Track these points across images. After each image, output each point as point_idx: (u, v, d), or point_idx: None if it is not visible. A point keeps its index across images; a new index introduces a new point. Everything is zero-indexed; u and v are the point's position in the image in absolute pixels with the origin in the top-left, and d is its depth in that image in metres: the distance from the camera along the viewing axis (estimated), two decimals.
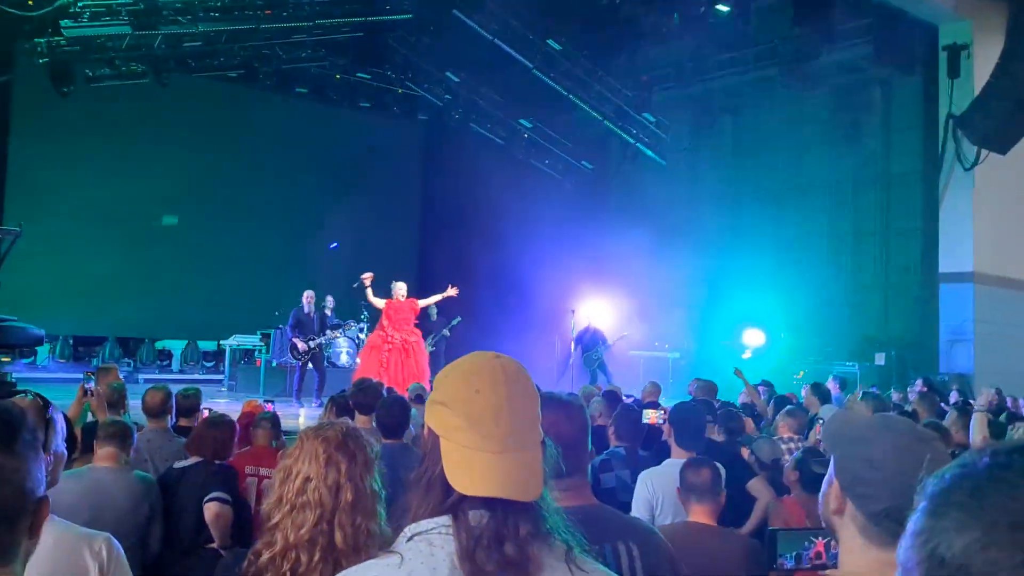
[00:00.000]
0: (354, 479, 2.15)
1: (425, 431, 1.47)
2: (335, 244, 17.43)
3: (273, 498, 2.18)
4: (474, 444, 1.37)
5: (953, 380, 12.97)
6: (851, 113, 16.08)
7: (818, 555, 2.07)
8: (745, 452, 5.39)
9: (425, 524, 1.39)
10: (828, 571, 1.91)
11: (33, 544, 1.28)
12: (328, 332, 13.31)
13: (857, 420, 1.66)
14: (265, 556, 2.11)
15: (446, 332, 15.43)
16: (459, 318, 15.61)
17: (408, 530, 1.40)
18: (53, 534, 2.18)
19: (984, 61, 13.30)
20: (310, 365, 13.39)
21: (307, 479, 2.14)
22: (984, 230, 14.29)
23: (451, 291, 12.79)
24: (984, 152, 13.50)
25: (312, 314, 13.24)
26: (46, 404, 2.71)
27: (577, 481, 2.19)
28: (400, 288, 12.47)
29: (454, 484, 1.36)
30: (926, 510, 0.70)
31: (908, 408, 7.93)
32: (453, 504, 1.38)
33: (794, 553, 2.08)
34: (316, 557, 2.08)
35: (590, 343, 15.74)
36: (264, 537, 2.15)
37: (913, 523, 0.72)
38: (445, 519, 1.38)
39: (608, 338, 15.96)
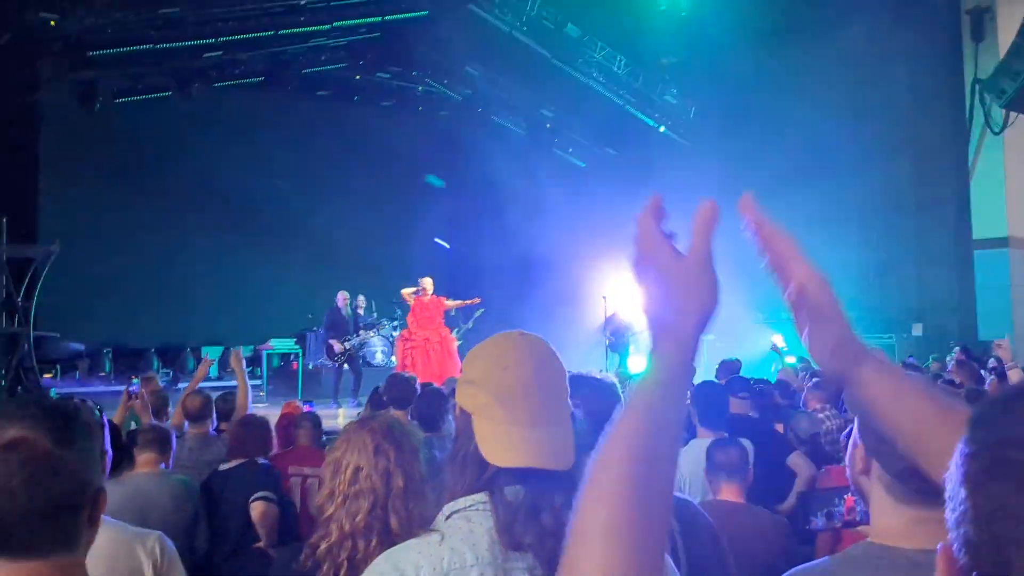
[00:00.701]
0: (403, 465, 2.20)
1: (457, 411, 1.51)
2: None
3: (325, 491, 2.23)
4: (505, 419, 1.41)
5: (995, 347, 12.82)
6: (876, 84, 15.90)
7: (849, 511, 2.09)
8: (780, 428, 5.38)
9: (463, 501, 1.44)
10: (859, 527, 1.92)
11: (93, 533, 1.34)
12: (362, 332, 13.39)
13: None
14: (322, 547, 2.16)
15: (469, 325, 15.48)
16: (481, 309, 15.67)
17: (446, 508, 1.45)
18: (106, 534, 2.18)
19: (1008, 22, 13.11)
20: (346, 366, 13.50)
21: (357, 468, 2.19)
22: (1017, 193, 14.09)
23: (475, 301, 12.82)
24: (1013, 115, 13.32)
25: (347, 315, 13.33)
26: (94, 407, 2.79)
27: None
28: (427, 284, 12.50)
29: (488, 457, 1.40)
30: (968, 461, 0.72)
31: (947, 377, 7.86)
32: (489, 480, 1.42)
33: (824, 511, 2.10)
34: (373, 542, 2.12)
35: (616, 334, 15.69)
36: (319, 531, 2.20)
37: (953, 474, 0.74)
38: (482, 496, 1.42)
39: (633, 327, 15.92)
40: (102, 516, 2.11)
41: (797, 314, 1.17)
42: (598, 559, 0.86)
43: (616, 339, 15.64)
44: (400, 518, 2.16)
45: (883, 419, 1.11)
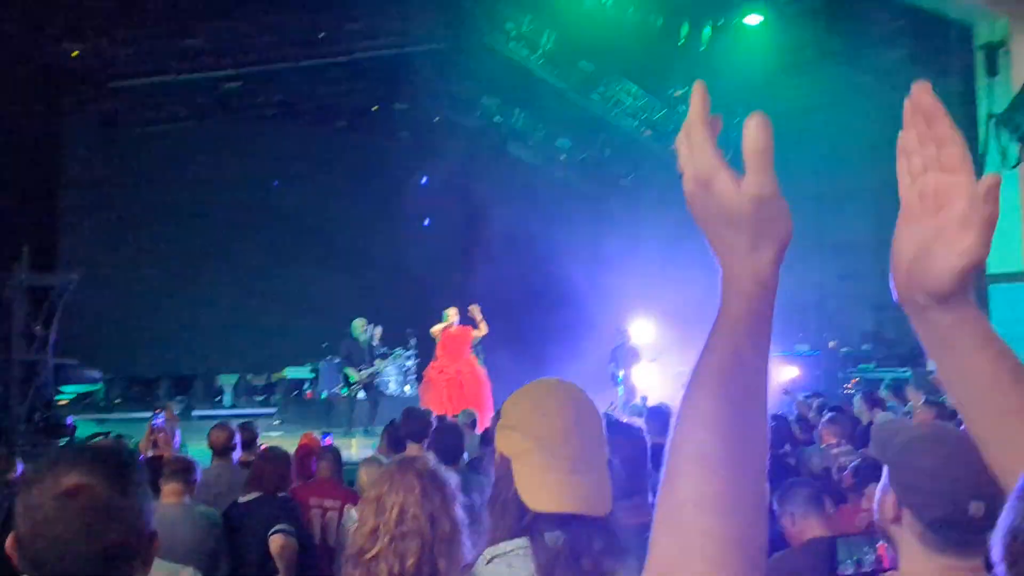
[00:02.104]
0: (448, 511, 2.19)
1: (497, 456, 1.54)
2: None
3: (367, 528, 2.18)
4: (544, 464, 1.44)
5: None
6: (889, 118, 15.86)
7: (879, 560, 2.09)
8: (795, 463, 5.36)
9: (503, 547, 1.46)
10: (888, 574, 1.93)
11: (146, 574, 1.37)
12: (377, 361, 13.38)
13: (907, 429, 1.69)
14: None
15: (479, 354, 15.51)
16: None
17: (487, 552, 1.47)
18: None
19: (1022, 57, 13.14)
20: (363, 394, 13.49)
21: (403, 510, 2.15)
22: None
23: (474, 310, 12.73)
24: None
25: (363, 343, 13.33)
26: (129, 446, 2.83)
27: (638, 500, 2.24)
28: (452, 314, 12.45)
29: (528, 503, 1.43)
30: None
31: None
32: (528, 525, 1.45)
33: (854, 559, 2.10)
34: None
35: (622, 358, 15.62)
36: (361, 569, 2.16)
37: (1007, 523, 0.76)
38: (522, 540, 1.45)
39: (641, 354, 15.87)
40: None
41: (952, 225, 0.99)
42: (696, 482, 0.83)
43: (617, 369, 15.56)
44: (446, 562, 2.14)
45: (960, 370, 1.03)
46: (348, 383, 13.33)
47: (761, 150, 0.91)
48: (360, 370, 13.12)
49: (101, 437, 3.00)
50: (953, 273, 0.98)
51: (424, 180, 19.30)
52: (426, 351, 15.85)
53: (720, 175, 0.92)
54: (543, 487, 1.43)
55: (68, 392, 15.15)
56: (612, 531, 1.46)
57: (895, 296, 1.07)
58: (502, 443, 1.53)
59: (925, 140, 1.02)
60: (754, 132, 0.92)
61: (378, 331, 15.04)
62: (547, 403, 1.49)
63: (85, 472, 1.28)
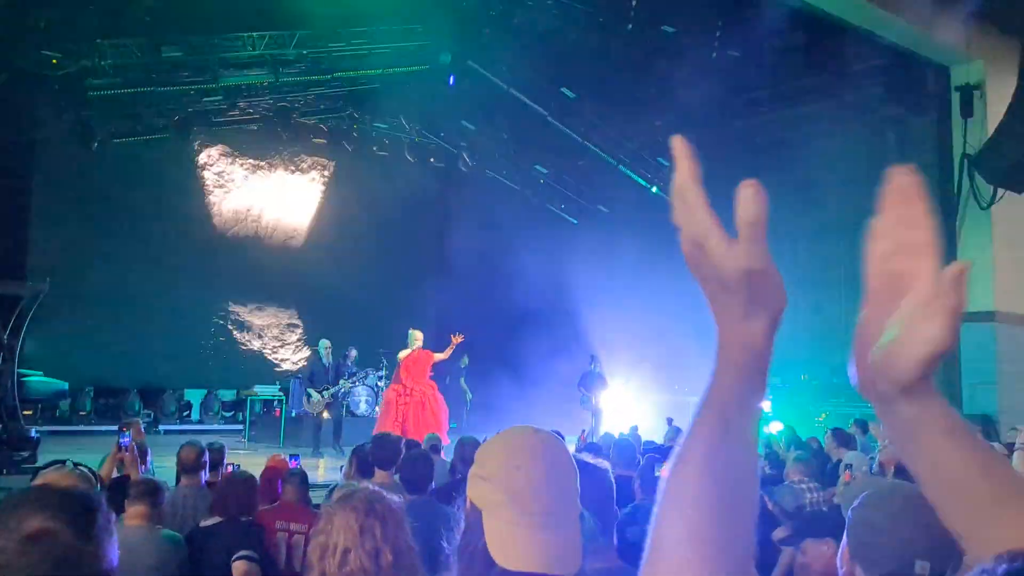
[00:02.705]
0: (390, 540, 2.20)
1: (468, 504, 1.51)
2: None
3: (315, 573, 2.22)
4: (515, 520, 1.41)
5: (977, 422, 12.85)
6: (866, 154, 16.11)
7: None
8: (769, 504, 5.35)
9: None
10: None
11: None
12: (341, 382, 13.32)
13: (869, 486, 1.70)
14: None
15: (463, 384, 15.51)
16: (466, 359, 15.73)
17: None
18: None
19: (997, 100, 13.35)
20: (326, 415, 13.42)
21: (346, 551, 2.19)
22: (1004, 268, 14.22)
23: (456, 339, 12.75)
24: (1000, 191, 13.50)
25: (327, 364, 13.28)
26: (93, 474, 2.78)
27: (603, 543, 2.22)
28: (418, 336, 12.46)
29: (496, 558, 1.40)
30: None
31: None
32: None
33: None
34: None
35: (588, 384, 15.69)
36: None
37: None
38: None
39: (609, 382, 15.95)
40: None
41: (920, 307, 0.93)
42: (686, 565, 0.82)
43: (587, 394, 15.61)
44: None
45: (928, 462, 0.97)
46: (309, 402, 13.34)
47: (753, 221, 0.87)
48: (321, 390, 13.08)
49: (59, 465, 2.91)
50: (917, 362, 0.92)
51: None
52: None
53: (713, 238, 0.89)
54: (512, 543, 1.40)
55: (33, 403, 14.94)
56: None
57: (855, 383, 1.02)
58: (474, 492, 1.50)
59: (898, 223, 0.97)
60: (747, 202, 0.88)
61: (352, 352, 14.97)
62: (521, 456, 1.46)
63: (49, 517, 1.28)
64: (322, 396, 13.00)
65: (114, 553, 1.37)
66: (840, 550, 1.65)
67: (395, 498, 2.38)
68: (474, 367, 14.87)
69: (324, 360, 13.27)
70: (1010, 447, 7.26)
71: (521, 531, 1.40)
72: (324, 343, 13.46)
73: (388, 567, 2.18)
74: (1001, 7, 13.03)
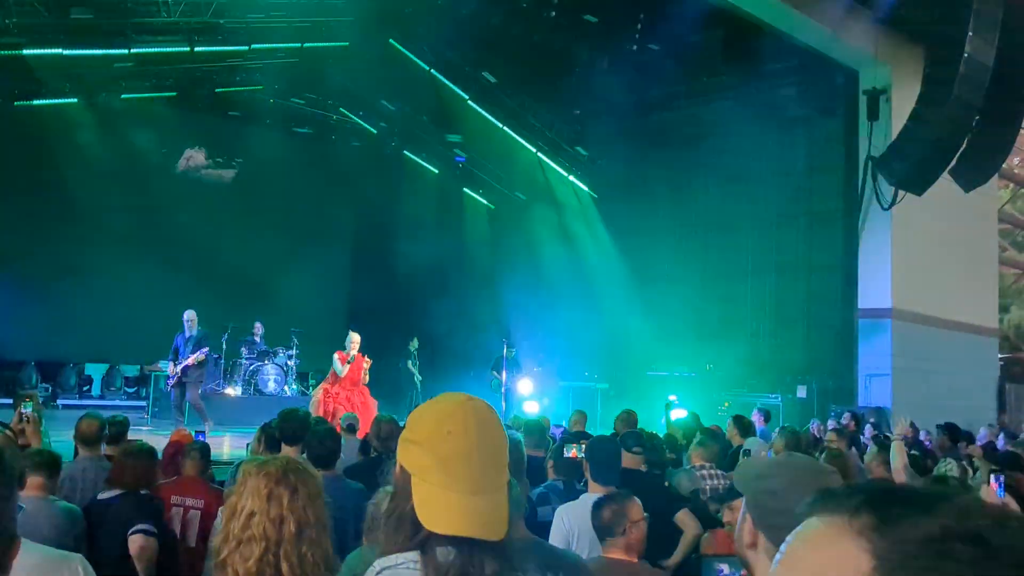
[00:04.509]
0: (296, 511, 2.20)
1: (397, 469, 1.53)
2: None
3: (221, 534, 2.21)
4: (444, 484, 1.43)
5: (871, 414, 13.36)
6: (776, 152, 16.54)
7: None
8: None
9: (393, 559, 1.46)
10: None
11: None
12: (193, 356, 12.27)
13: (761, 460, 1.77)
14: None
15: (411, 366, 15.43)
16: (416, 342, 15.66)
17: (377, 564, 1.46)
18: (31, 557, 2.26)
19: (902, 105, 13.82)
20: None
21: (251, 514, 2.18)
22: (901, 268, 14.78)
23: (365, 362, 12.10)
24: (901, 193, 14.00)
25: (190, 336, 12.16)
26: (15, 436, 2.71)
27: (513, 515, 2.25)
28: (355, 341, 11.84)
29: (424, 521, 1.42)
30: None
31: (826, 441, 8.16)
32: (422, 540, 1.44)
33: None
34: None
35: (505, 367, 15.75)
36: (217, 573, 2.19)
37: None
38: (413, 555, 1.45)
39: (523, 367, 16.08)
40: (23, 541, 2.09)
41: None
42: None
43: (504, 380, 15.67)
44: (291, 564, 2.14)
45: None
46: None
47: None
48: (177, 363, 12.24)
49: None
50: None
51: None
52: (310, 354, 15.65)
53: None
54: (440, 507, 1.42)
55: None
56: (507, 554, 1.46)
57: None
58: (404, 456, 1.51)
59: None
60: None
61: (258, 327, 14.77)
62: (452, 421, 1.48)
63: None
64: (176, 369, 11.97)
65: (14, 512, 1.32)
66: (739, 524, 1.70)
67: (315, 472, 2.37)
68: (387, 350, 14.71)
69: (186, 331, 12.22)
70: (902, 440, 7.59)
71: (450, 495, 1.42)
72: (188, 313, 12.42)
73: (290, 537, 2.18)
74: (908, 15, 13.49)
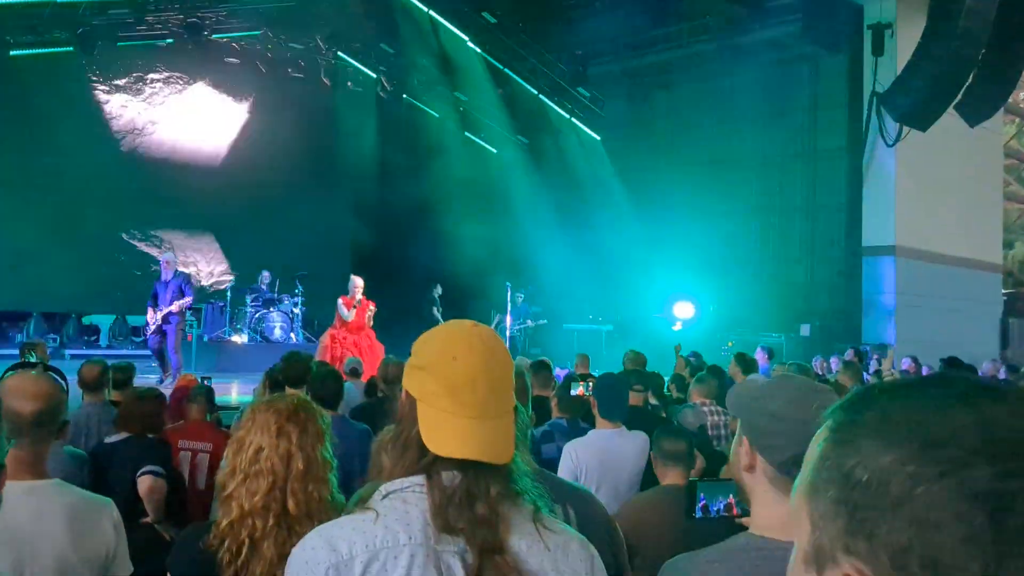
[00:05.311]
0: (304, 448, 2.23)
1: (402, 395, 1.54)
2: None
3: (227, 469, 2.25)
4: (450, 408, 1.44)
5: (875, 350, 13.40)
6: (779, 90, 16.37)
7: (728, 507, 2.18)
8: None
9: (399, 483, 1.47)
10: (742, 520, 2.00)
11: None
12: (174, 302, 11.98)
13: (757, 382, 1.77)
14: (224, 524, 2.18)
15: (437, 313, 15.43)
16: (439, 288, 15.67)
17: (383, 488, 1.47)
18: (70, 496, 2.32)
19: (907, 40, 13.64)
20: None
21: (259, 449, 2.21)
22: (905, 205, 14.73)
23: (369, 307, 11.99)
24: (906, 129, 13.88)
25: (167, 281, 11.69)
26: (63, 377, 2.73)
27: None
28: (358, 285, 11.77)
29: (429, 445, 1.43)
30: (832, 439, 0.74)
31: (832, 379, 8.19)
32: (427, 464, 1.45)
33: (704, 504, 2.18)
34: (270, 523, 2.16)
35: (510, 311, 15.84)
36: (222, 507, 2.23)
37: (817, 452, 0.75)
38: (419, 478, 1.45)
39: (530, 314, 16.14)
40: (57, 481, 2.23)
41: None
42: None
43: (513, 325, 15.75)
44: (297, 500, 2.18)
45: None
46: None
47: None
48: (158, 310, 11.91)
49: (26, 367, 2.83)
50: None
51: None
52: (315, 300, 15.67)
53: None
54: (446, 431, 1.43)
55: None
56: (511, 478, 1.47)
57: None
58: (409, 382, 1.52)
59: None
60: None
61: (265, 275, 14.80)
62: (458, 346, 1.48)
63: None
64: (157, 316, 11.55)
65: (2, 444, 1.32)
66: (734, 447, 1.70)
67: (324, 412, 2.39)
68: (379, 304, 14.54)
69: (162, 276, 11.79)
70: (904, 375, 7.61)
71: (456, 419, 1.43)
72: (166, 256, 12.11)
73: (298, 474, 2.21)
74: None
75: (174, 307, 11.49)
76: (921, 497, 0.64)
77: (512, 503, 1.46)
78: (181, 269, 12.18)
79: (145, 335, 12.53)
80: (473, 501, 1.41)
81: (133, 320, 17.68)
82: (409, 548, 1.40)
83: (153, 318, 11.67)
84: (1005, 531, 0.62)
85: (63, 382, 3.14)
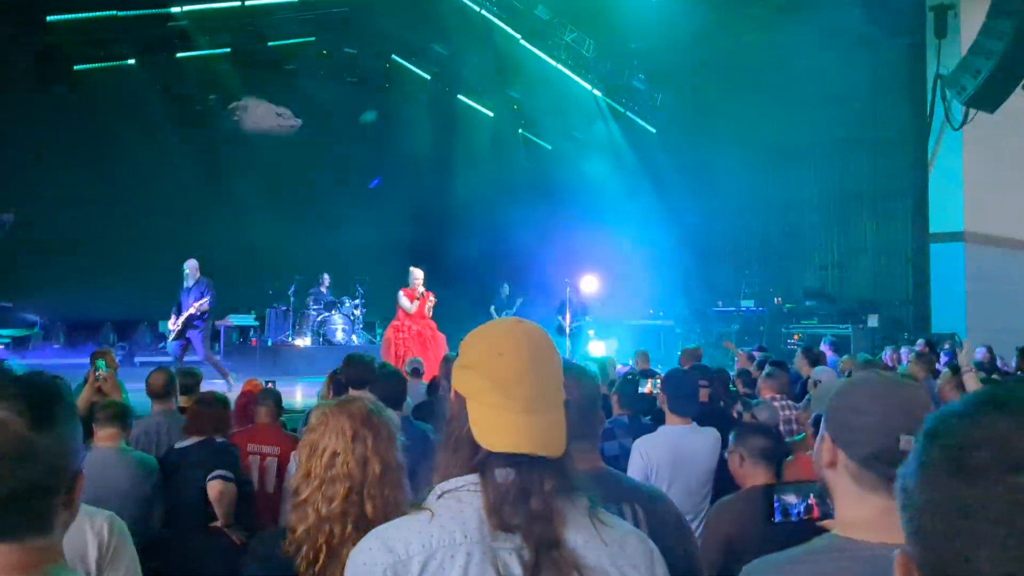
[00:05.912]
0: (380, 452, 2.23)
1: (452, 395, 1.54)
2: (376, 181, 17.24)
3: (301, 472, 2.25)
4: (500, 403, 1.43)
5: (945, 339, 13.06)
6: (840, 75, 16.04)
7: (809, 508, 2.12)
8: (748, 416, 5.43)
9: (454, 482, 1.46)
10: (825, 521, 1.96)
11: (69, 516, 1.29)
12: (194, 305, 12.04)
13: (841, 379, 1.73)
14: (300, 530, 2.18)
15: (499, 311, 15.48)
16: (507, 288, 15.70)
17: (438, 488, 1.47)
18: None
19: (970, 20, 13.29)
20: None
21: (335, 453, 2.21)
22: (974, 189, 14.33)
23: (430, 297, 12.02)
24: (972, 111, 13.51)
25: (189, 287, 11.85)
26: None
27: (587, 445, 2.23)
28: (418, 276, 11.87)
29: (481, 442, 1.42)
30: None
31: (902, 371, 8.00)
32: (480, 462, 1.44)
33: (785, 507, 2.12)
34: (348, 528, 2.15)
35: (574, 316, 15.71)
36: (296, 512, 2.22)
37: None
38: (473, 477, 1.45)
39: (590, 309, 15.99)
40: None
41: None
42: None
43: (572, 322, 15.64)
44: (375, 504, 2.17)
45: None
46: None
47: None
48: (178, 316, 11.99)
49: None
50: None
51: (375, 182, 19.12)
52: (375, 302, 15.79)
53: None
54: (497, 427, 1.42)
55: (4, 335, 14.81)
56: (565, 472, 1.46)
57: None
58: (458, 382, 1.52)
59: None
60: None
61: (325, 278, 14.98)
62: (504, 343, 1.48)
63: (4, 407, 1.21)
64: (178, 322, 11.70)
65: (77, 446, 1.31)
66: (816, 445, 1.67)
67: (393, 414, 2.39)
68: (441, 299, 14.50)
69: (185, 283, 11.90)
70: (978, 366, 7.41)
71: (506, 414, 1.43)
72: (189, 263, 12.09)
73: (375, 478, 2.21)
74: None
75: (192, 308, 11.58)
76: None
77: (567, 498, 1.45)
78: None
79: (166, 341, 12.54)
80: (527, 496, 1.40)
81: None
82: (465, 546, 1.39)
83: (174, 324, 11.75)
84: None
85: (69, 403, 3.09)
